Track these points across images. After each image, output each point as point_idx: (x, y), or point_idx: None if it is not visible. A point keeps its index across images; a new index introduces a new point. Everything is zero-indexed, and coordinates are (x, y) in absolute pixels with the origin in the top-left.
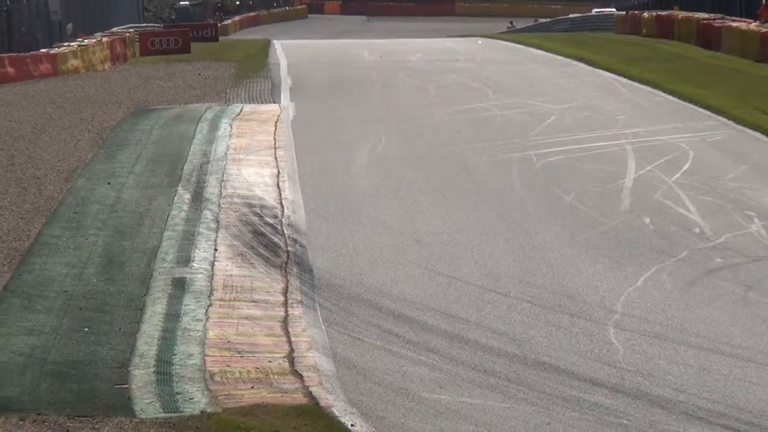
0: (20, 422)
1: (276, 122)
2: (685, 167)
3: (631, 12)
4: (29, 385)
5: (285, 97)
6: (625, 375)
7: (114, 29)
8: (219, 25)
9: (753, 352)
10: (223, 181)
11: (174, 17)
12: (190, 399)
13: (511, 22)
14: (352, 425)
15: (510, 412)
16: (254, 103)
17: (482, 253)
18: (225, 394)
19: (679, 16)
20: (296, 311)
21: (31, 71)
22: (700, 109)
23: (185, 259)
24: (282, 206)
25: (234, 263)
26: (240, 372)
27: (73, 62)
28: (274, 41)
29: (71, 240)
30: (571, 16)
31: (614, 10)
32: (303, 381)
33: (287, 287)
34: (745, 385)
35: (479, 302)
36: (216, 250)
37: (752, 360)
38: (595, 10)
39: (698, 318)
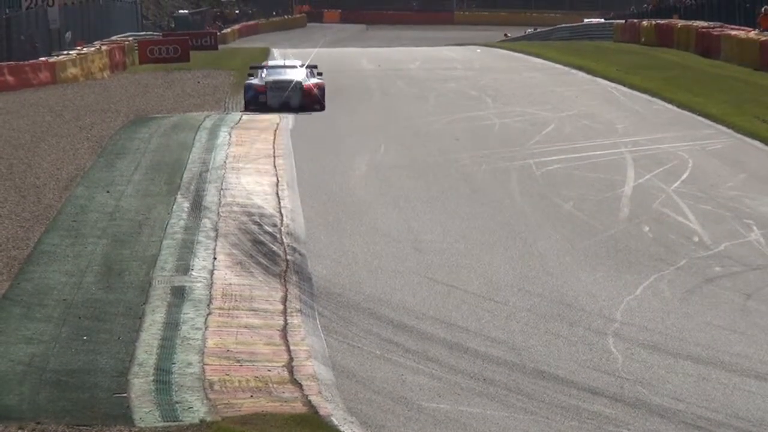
0: (19, 431)
1: (275, 131)
2: (684, 176)
3: (630, 20)
4: (28, 394)
5: None
6: (624, 384)
7: (113, 37)
8: (218, 33)
9: (752, 360)
10: (222, 189)
11: (173, 25)
12: (190, 408)
13: (506, 34)
14: None
15: (509, 421)
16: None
17: (481, 262)
18: (224, 403)
19: (678, 25)
20: (295, 320)
21: (30, 79)
22: (700, 118)
23: (184, 268)
24: (281, 215)
25: (233, 272)
26: (239, 381)
27: (72, 70)
28: (273, 49)
29: (70, 248)
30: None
31: (602, 20)
32: (302, 390)
33: (286, 296)
34: (745, 394)
35: (478, 311)
36: (215, 258)
37: (751, 369)
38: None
39: (697, 327)
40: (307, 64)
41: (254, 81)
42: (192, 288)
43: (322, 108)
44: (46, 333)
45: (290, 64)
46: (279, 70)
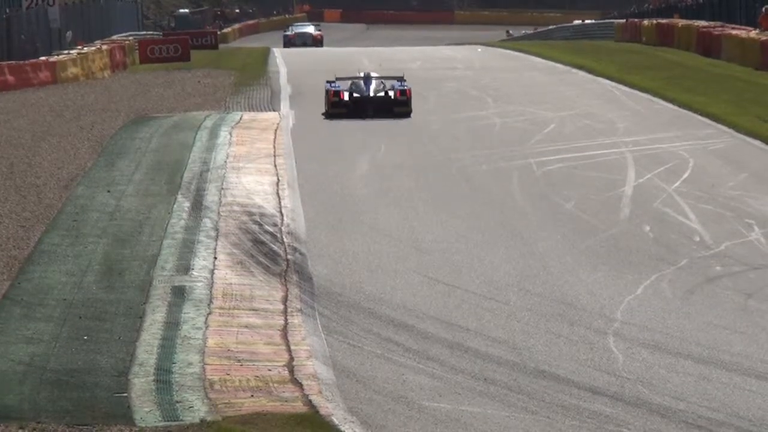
0: (20, 431)
1: (275, 130)
2: (685, 175)
3: (630, 20)
4: (29, 394)
5: (284, 105)
6: (625, 383)
7: (113, 37)
8: (218, 32)
9: (753, 360)
10: (222, 189)
11: (173, 25)
12: (190, 407)
13: (508, 32)
14: None
15: (510, 420)
16: (254, 111)
17: (482, 261)
18: (225, 403)
19: (679, 24)
20: (296, 319)
21: (31, 79)
22: (700, 117)
23: (185, 268)
24: (281, 214)
25: (233, 271)
26: (240, 380)
27: (73, 70)
28: (274, 49)
29: (71, 248)
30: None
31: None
32: (303, 389)
33: (287, 295)
34: (745, 393)
35: (479, 310)
36: (215, 258)
37: (752, 368)
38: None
39: (698, 326)
40: (314, 24)
41: (288, 33)
42: (192, 287)
43: (321, 45)
44: (47, 333)
45: (306, 24)
46: (301, 27)
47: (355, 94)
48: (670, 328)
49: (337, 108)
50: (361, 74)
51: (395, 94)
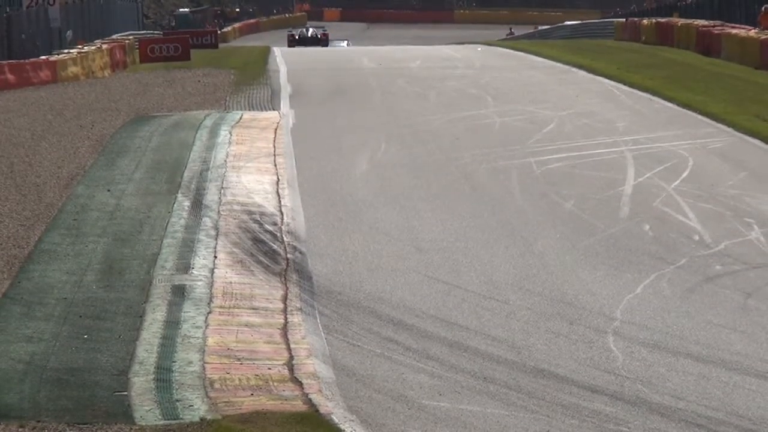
0: (20, 429)
1: (276, 129)
2: (685, 174)
3: (630, 19)
4: (29, 392)
5: (284, 104)
6: (625, 382)
7: (114, 36)
8: (218, 32)
9: (752, 359)
10: (222, 188)
11: (173, 24)
12: (190, 406)
13: (510, 29)
14: None
15: (509, 419)
16: (254, 110)
17: (481, 261)
18: (225, 402)
19: (679, 23)
20: (296, 318)
21: (31, 78)
22: (700, 116)
23: (185, 267)
24: (281, 213)
25: (233, 270)
26: (240, 379)
27: (73, 69)
28: (274, 48)
29: (71, 247)
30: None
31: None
32: (303, 388)
33: (287, 294)
34: (745, 392)
35: (479, 309)
36: (215, 257)
37: (752, 367)
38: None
39: (697, 325)
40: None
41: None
42: (192, 286)
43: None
44: (47, 331)
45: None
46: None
47: (301, 36)
48: (670, 327)
49: (293, 42)
50: (305, 26)
51: (320, 36)
